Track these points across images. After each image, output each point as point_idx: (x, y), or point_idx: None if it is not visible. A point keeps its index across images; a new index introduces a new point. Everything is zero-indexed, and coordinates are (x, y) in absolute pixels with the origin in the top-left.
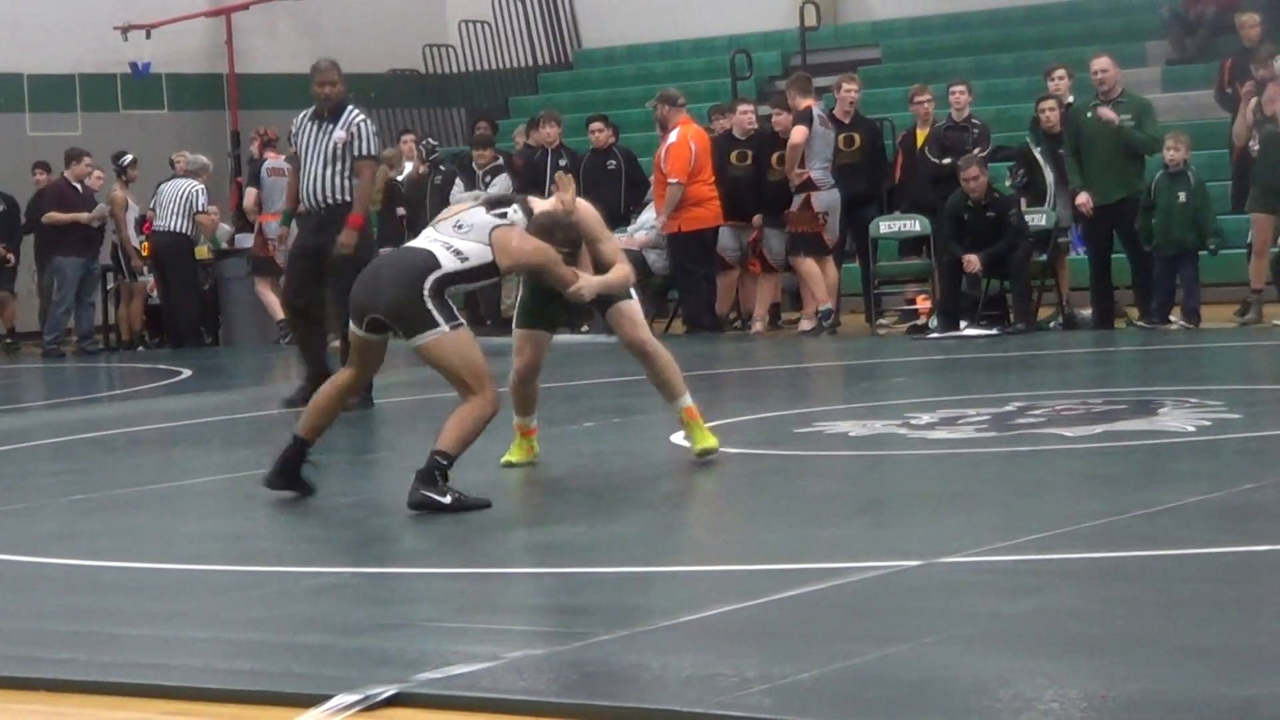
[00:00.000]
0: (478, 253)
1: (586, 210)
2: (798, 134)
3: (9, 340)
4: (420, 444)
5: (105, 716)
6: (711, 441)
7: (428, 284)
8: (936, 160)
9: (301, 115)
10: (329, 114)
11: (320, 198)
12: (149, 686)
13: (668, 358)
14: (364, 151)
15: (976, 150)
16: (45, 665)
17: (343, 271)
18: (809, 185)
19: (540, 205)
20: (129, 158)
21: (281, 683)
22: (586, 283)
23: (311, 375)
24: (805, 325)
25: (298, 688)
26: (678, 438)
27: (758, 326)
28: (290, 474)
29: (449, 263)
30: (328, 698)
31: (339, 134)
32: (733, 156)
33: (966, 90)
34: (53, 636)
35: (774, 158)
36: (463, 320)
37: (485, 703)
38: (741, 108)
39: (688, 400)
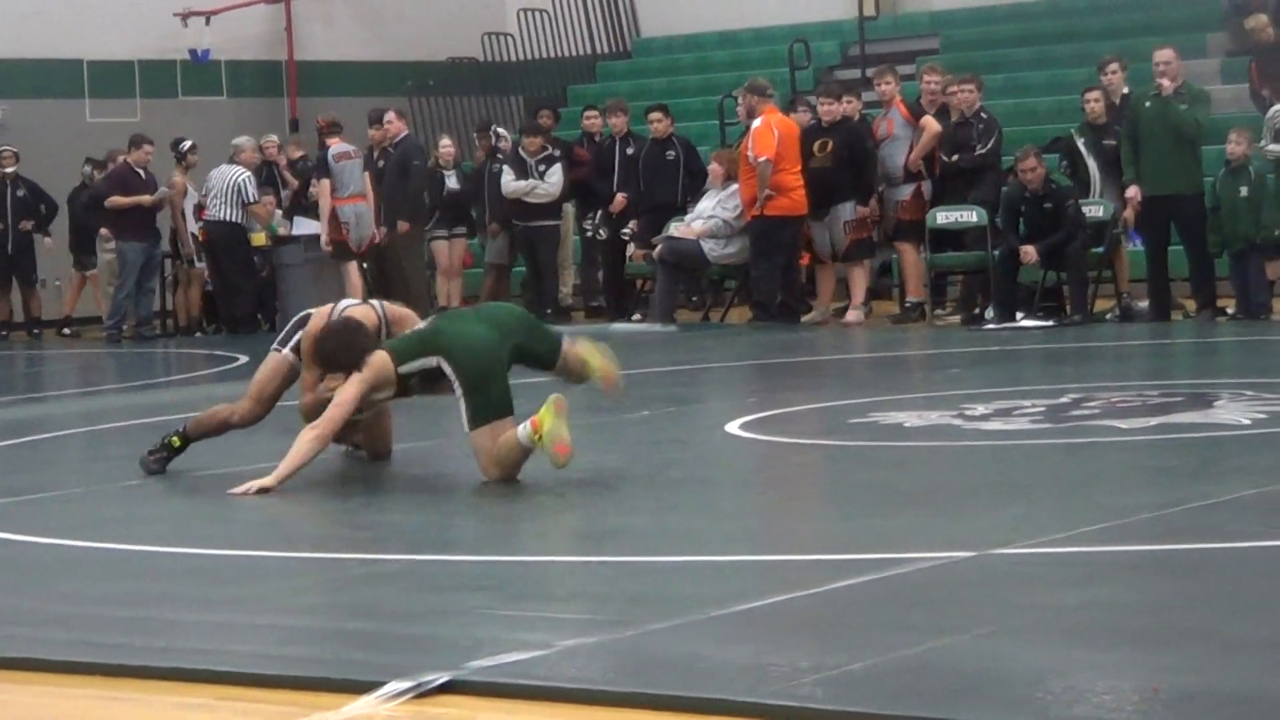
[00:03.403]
0: None
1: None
2: (935, 124)
3: (36, 331)
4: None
5: (159, 701)
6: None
7: None
8: (947, 158)
9: None
10: None
11: None
12: (203, 672)
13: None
14: None
15: (979, 146)
16: (100, 650)
17: None
18: (920, 175)
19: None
20: (188, 143)
21: (334, 669)
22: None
23: None
24: (852, 317)
25: (351, 674)
26: (733, 427)
27: (837, 316)
28: None
29: None
30: (381, 684)
31: None
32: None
33: (976, 88)
34: (108, 621)
35: (814, 146)
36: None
37: (538, 690)
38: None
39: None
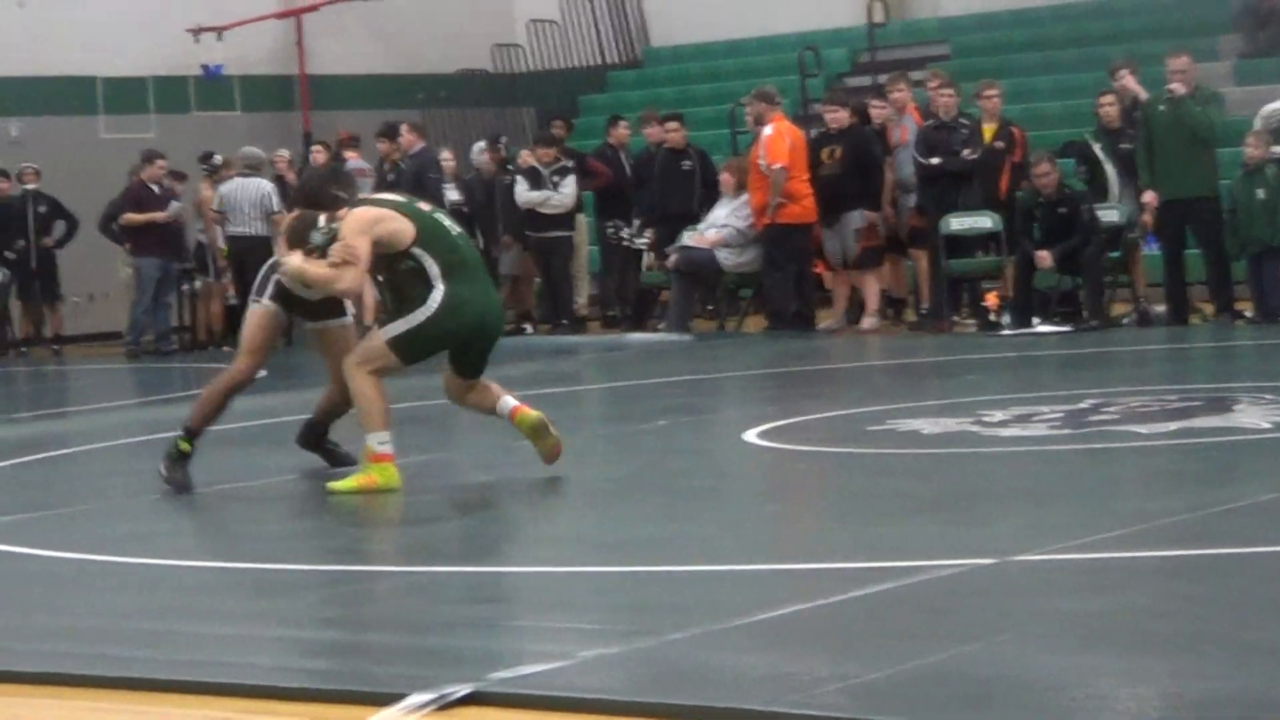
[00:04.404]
0: None
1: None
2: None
3: (56, 347)
4: (489, 442)
5: (183, 715)
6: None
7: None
8: (924, 160)
9: None
10: None
11: None
12: (226, 685)
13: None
14: None
15: (967, 151)
16: (124, 664)
17: None
18: None
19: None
20: (219, 158)
21: (356, 682)
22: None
23: None
24: (867, 324)
25: (373, 687)
26: (750, 436)
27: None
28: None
29: None
30: (402, 697)
31: None
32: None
33: (955, 92)
34: (132, 635)
35: (824, 153)
36: (263, 300)
37: (559, 701)
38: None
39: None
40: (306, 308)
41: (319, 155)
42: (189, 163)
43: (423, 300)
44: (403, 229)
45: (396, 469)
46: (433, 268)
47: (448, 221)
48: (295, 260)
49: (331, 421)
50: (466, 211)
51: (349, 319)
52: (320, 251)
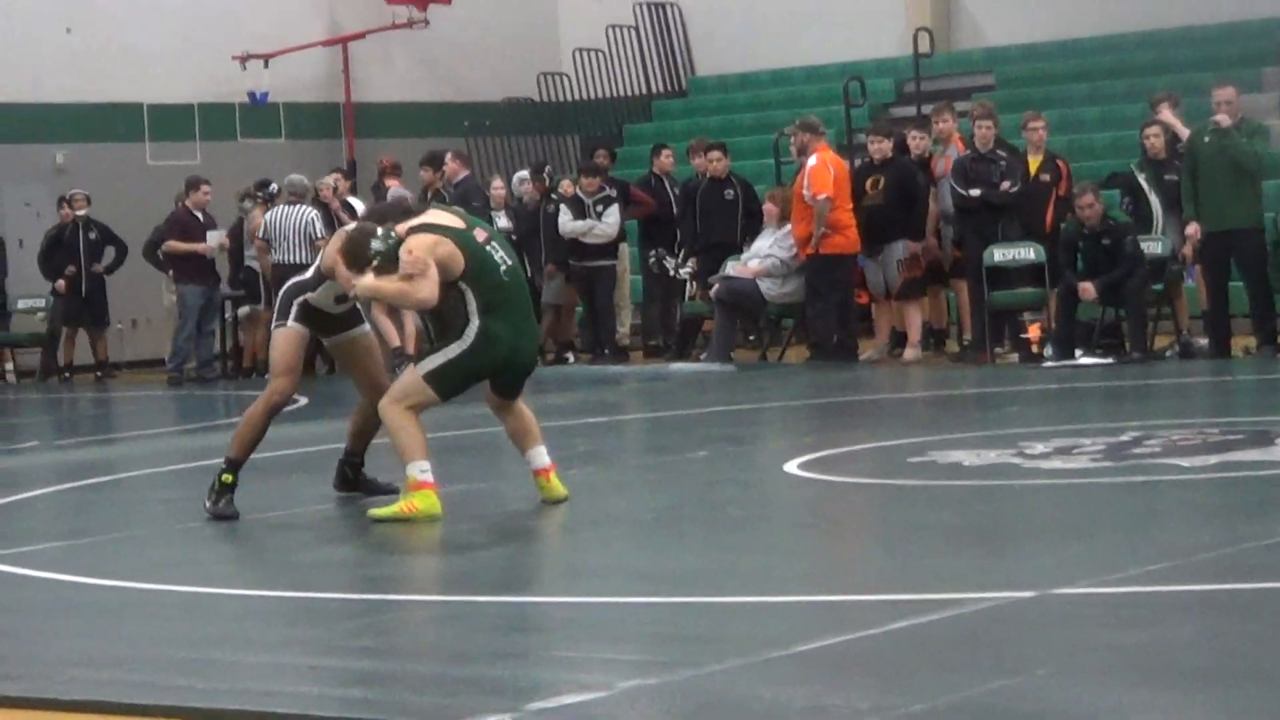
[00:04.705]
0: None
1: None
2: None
3: (99, 373)
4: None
5: None
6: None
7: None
8: (963, 191)
9: None
10: None
11: None
12: (264, 714)
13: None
14: None
15: (1007, 184)
16: (162, 692)
17: None
18: None
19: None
20: (275, 186)
21: (394, 711)
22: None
23: None
24: (909, 355)
25: (410, 716)
26: (791, 467)
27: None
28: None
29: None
30: None
31: None
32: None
33: (993, 124)
34: (169, 663)
35: (868, 183)
36: (287, 322)
37: None
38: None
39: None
40: (328, 324)
41: (341, 181)
42: (233, 190)
43: (460, 333)
44: (456, 255)
45: (438, 497)
46: (474, 301)
47: (499, 255)
48: (368, 279)
49: (366, 445)
50: (514, 240)
51: (368, 326)
52: (385, 259)
